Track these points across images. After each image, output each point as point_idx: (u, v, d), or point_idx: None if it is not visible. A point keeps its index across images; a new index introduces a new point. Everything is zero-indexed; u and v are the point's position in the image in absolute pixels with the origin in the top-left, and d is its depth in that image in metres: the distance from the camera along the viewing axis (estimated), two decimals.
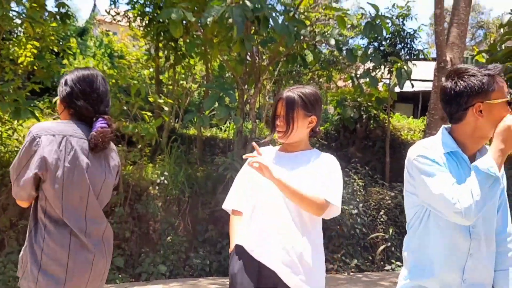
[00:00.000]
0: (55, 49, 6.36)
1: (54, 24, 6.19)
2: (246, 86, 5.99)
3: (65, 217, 1.95)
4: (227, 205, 2.37)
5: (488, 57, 6.45)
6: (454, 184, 1.72)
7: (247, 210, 2.25)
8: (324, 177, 2.18)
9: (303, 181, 2.13)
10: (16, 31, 7.51)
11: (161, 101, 6.34)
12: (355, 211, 6.25)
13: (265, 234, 2.12)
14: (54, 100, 6.63)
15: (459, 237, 1.82)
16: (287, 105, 2.20)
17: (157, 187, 6.07)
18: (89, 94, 2.06)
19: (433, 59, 6.99)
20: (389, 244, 6.20)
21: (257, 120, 6.21)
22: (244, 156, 2.13)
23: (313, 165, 2.23)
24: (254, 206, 2.20)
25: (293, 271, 2.08)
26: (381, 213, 6.47)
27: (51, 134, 1.94)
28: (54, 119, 7.46)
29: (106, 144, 2.04)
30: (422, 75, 13.83)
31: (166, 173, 6.13)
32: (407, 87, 6.76)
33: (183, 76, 9.26)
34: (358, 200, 6.48)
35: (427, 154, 1.80)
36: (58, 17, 6.10)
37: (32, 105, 5.34)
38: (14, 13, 5.82)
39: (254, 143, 2.12)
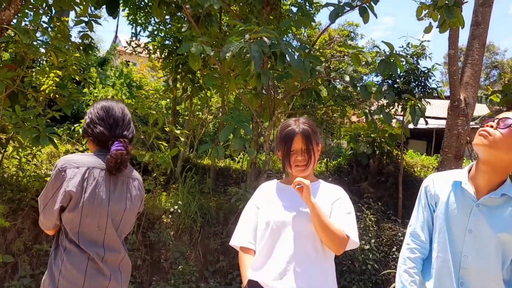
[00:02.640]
0: (77, 78, 6.55)
1: (77, 54, 6.40)
2: (261, 119, 6.09)
3: (81, 244, 2.02)
4: (236, 242, 2.35)
5: (502, 97, 6.49)
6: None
7: (258, 242, 2.27)
8: (340, 210, 2.25)
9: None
10: (40, 60, 7.77)
11: (178, 131, 6.46)
12: (367, 247, 6.21)
13: (280, 267, 2.13)
14: (72, 127, 6.81)
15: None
16: (306, 138, 2.26)
17: (170, 216, 6.12)
18: (105, 120, 2.17)
19: (447, 97, 7.05)
20: None
21: (270, 153, 6.28)
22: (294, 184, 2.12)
23: (326, 197, 2.29)
24: (265, 238, 2.21)
25: None
26: (394, 249, 6.43)
27: (75, 167, 2.04)
28: (73, 146, 7.63)
29: (122, 167, 2.11)
30: (436, 113, 13.90)
31: (179, 202, 6.19)
32: (421, 124, 6.81)
33: (199, 107, 9.43)
34: (370, 235, 6.45)
35: None
36: (81, 48, 6.32)
37: (51, 132, 5.48)
38: (39, 43, 6.06)
39: (299, 179, 2.10)
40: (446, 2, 4.82)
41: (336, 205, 2.26)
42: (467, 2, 5.92)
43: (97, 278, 2.04)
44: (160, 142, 6.38)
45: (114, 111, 2.20)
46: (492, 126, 1.91)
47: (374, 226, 6.62)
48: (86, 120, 2.21)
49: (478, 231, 1.94)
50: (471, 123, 7.04)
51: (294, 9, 6.31)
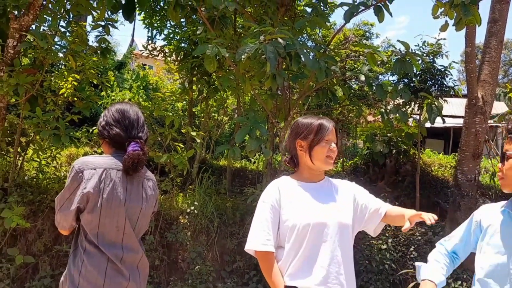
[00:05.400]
0: (95, 82, 6.64)
1: (94, 58, 6.49)
2: (276, 120, 6.10)
3: (100, 245, 2.05)
4: (256, 246, 2.16)
5: None
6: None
7: (287, 245, 2.16)
8: (369, 195, 2.34)
9: (345, 211, 2.23)
10: (58, 64, 7.90)
11: (194, 133, 6.52)
12: (384, 246, 6.18)
13: (323, 271, 2.10)
14: (91, 130, 6.91)
15: None
16: (337, 133, 2.30)
17: (186, 217, 6.17)
18: (120, 121, 2.20)
19: (464, 96, 6.98)
20: None
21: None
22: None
23: (344, 193, 2.31)
24: (303, 241, 2.12)
25: None
26: (411, 249, 6.38)
27: (92, 168, 2.06)
28: (91, 148, 7.74)
29: (138, 167, 2.14)
30: (453, 111, 13.73)
31: (196, 203, 6.24)
32: (438, 123, 6.76)
33: (215, 109, 9.49)
34: (387, 235, 6.41)
35: None
36: (98, 51, 6.41)
37: (70, 133, 5.57)
38: (57, 47, 6.16)
39: (407, 225, 2.09)
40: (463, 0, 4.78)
41: (360, 195, 2.33)
42: None
43: (117, 279, 2.07)
44: (176, 144, 6.44)
45: (129, 113, 2.24)
46: (501, 168, 1.99)
47: (391, 225, 6.57)
48: (102, 122, 2.24)
49: None
50: (489, 121, 6.96)
51: (309, 10, 6.32)
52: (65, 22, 6.09)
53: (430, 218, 2.01)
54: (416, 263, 2.33)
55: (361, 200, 2.28)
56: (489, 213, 2.12)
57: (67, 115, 6.06)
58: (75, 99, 6.18)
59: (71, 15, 6.09)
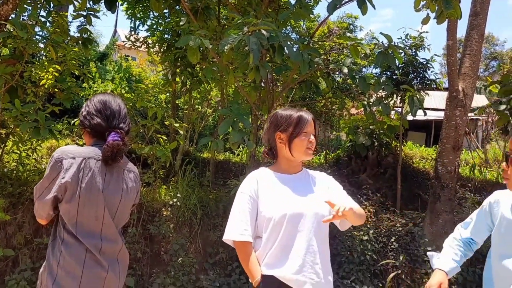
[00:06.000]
0: (76, 73, 6.55)
1: (76, 49, 6.40)
2: (260, 112, 6.11)
3: (78, 235, 2.04)
4: (234, 236, 2.21)
5: (501, 87, 6.52)
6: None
7: (264, 234, 2.20)
8: (342, 192, 2.36)
9: (322, 201, 2.23)
10: (39, 55, 7.77)
11: (177, 125, 6.48)
12: (366, 237, 6.25)
13: (299, 260, 2.13)
14: (72, 122, 6.83)
15: None
16: (315, 125, 2.34)
17: (169, 209, 6.16)
18: (102, 111, 2.21)
19: (446, 89, 7.06)
20: (399, 271, 6.17)
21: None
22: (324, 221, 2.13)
23: (320, 184, 2.34)
24: (280, 231, 2.16)
25: None
26: (392, 240, 6.46)
27: (71, 157, 2.06)
28: (72, 140, 7.65)
29: (118, 157, 2.14)
30: (435, 104, 13.92)
31: (179, 195, 6.22)
32: (420, 116, 6.83)
33: (198, 101, 9.45)
34: (368, 226, 6.48)
35: None
36: (80, 42, 6.32)
37: (51, 125, 5.50)
38: (38, 37, 6.06)
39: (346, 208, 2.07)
40: None
41: (335, 188, 2.36)
42: None
43: (95, 269, 2.07)
44: (159, 136, 6.40)
45: (111, 104, 2.25)
46: (506, 169, 2.03)
47: (373, 217, 6.66)
48: (83, 112, 2.25)
49: None
50: (470, 114, 7.06)
51: (293, 1, 6.31)
52: (46, 12, 5.99)
53: (339, 209, 2.02)
54: (428, 253, 2.45)
55: (332, 196, 2.30)
56: (501, 204, 2.16)
57: (47, 106, 5.98)
58: (56, 90, 6.10)
59: (52, 5, 5.99)
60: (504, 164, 2.02)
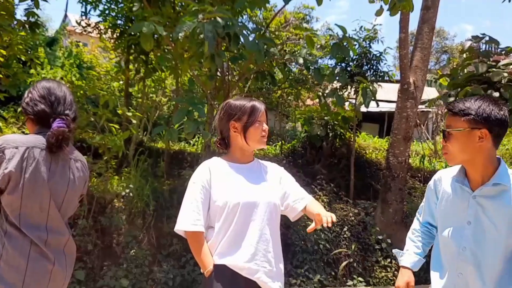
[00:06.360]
0: (23, 58, 6.28)
1: (22, 33, 6.12)
2: (215, 102, 6.04)
3: (22, 227, 1.96)
4: (186, 226, 2.18)
5: (450, 80, 6.72)
6: None
7: (216, 224, 2.19)
8: (294, 183, 2.42)
9: (274, 191, 2.31)
10: None
11: (130, 114, 6.33)
12: (319, 227, 6.34)
13: (251, 249, 2.15)
14: (19, 109, 6.54)
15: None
16: (267, 113, 2.37)
17: (122, 200, 6.02)
18: (46, 98, 2.12)
19: (398, 81, 7.24)
20: (351, 260, 6.31)
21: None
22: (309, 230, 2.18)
23: (272, 174, 2.38)
24: (233, 220, 2.15)
25: (273, 279, 2.20)
26: (345, 229, 6.59)
27: (14, 147, 1.96)
28: (18, 128, 7.33)
29: (63, 144, 2.05)
30: (388, 96, 14.23)
31: (131, 186, 6.08)
32: (373, 107, 6.96)
33: (153, 89, 9.26)
34: None
35: None
36: (27, 26, 6.04)
37: None
38: None
39: (312, 225, 2.16)
40: None
41: (285, 180, 2.41)
42: None
43: (41, 262, 2.00)
44: (111, 125, 6.22)
45: (55, 90, 2.17)
46: (444, 144, 2.09)
47: (327, 207, 6.75)
48: (26, 99, 2.16)
49: (476, 223, 2.01)
50: (421, 106, 7.26)
51: None
52: None
53: (327, 220, 2.10)
54: (394, 251, 2.50)
55: (285, 187, 2.37)
56: (441, 182, 2.23)
57: None
58: (1, 76, 5.83)
59: None
60: (442, 140, 2.09)
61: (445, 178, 2.22)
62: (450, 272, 2.07)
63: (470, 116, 1.95)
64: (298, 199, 2.34)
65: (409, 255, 2.35)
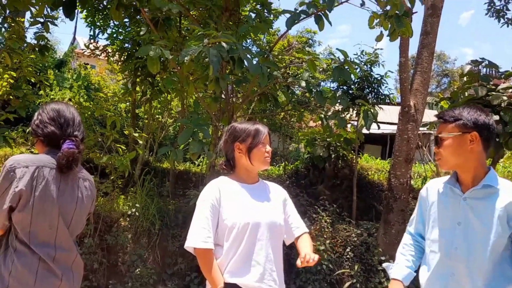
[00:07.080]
0: (32, 80, 6.44)
1: (32, 56, 6.29)
2: (220, 123, 6.17)
3: (32, 244, 2.01)
4: (197, 243, 2.21)
5: (450, 103, 6.83)
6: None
7: (225, 243, 2.24)
8: (294, 209, 2.53)
9: (279, 212, 2.41)
10: None
11: (136, 134, 6.46)
12: (322, 247, 6.38)
13: (260, 269, 2.22)
14: (28, 130, 6.69)
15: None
16: (270, 136, 2.48)
17: (127, 219, 6.11)
18: (55, 120, 2.18)
19: (399, 104, 7.35)
20: (354, 280, 6.33)
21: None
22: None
23: (277, 196, 2.46)
24: (242, 240, 2.21)
25: None
26: (348, 250, 6.62)
27: (24, 166, 2.02)
28: (27, 149, 7.47)
29: (73, 165, 2.12)
30: (390, 119, 14.36)
31: (137, 205, 6.18)
32: (375, 129, 7.06)
33: (159, 110, 9.41)
34: (325, 236, 6.62)
35: None
36: (36, 49, 6.22)
37: (5, 133, 5.37)
38: None
39: (298, 262, 2.22)
40: (397, 12, 5.06)
41: (288, 204, 2.52)
42: (416, 12, 6.22)
43: (49, 279, 2.04)
44: (118, 145, 6.35)
45: (64, 112, 2.23)
46: (437, 150, 2.20)
47: (329, 227, 6.81)
48: (35, 121, 2.21)
49: (466, 224, 2.11)
50: (420, 128, 7.36)
51: (253, 15, 6.43)
52: (1, 17, 5.87)
53: (308, 260, 2.19)
54: (384, 264, 2.55)
55: (288, 210, 2.49)
56: (433, 188, 2.32)
57: (2, 113, 5.85)
58: (11, 97, 5.98)
59: (8, 11, 5.88)
60: (435, 148, 2.20)
61: (436, 185, 2.32)
62: (442, 274, 2.14)
63: (461, 121, 2.10)
64: (297, 226, 2.47)
65: (399, 268, 2.38)
